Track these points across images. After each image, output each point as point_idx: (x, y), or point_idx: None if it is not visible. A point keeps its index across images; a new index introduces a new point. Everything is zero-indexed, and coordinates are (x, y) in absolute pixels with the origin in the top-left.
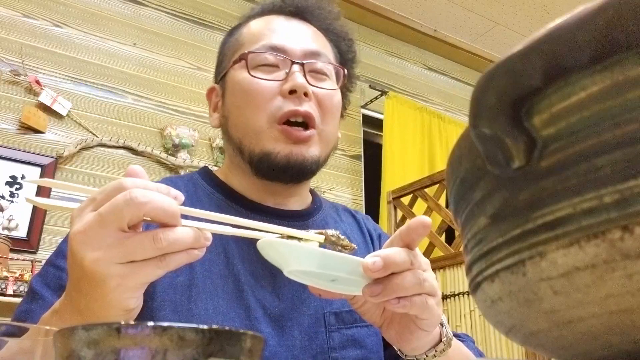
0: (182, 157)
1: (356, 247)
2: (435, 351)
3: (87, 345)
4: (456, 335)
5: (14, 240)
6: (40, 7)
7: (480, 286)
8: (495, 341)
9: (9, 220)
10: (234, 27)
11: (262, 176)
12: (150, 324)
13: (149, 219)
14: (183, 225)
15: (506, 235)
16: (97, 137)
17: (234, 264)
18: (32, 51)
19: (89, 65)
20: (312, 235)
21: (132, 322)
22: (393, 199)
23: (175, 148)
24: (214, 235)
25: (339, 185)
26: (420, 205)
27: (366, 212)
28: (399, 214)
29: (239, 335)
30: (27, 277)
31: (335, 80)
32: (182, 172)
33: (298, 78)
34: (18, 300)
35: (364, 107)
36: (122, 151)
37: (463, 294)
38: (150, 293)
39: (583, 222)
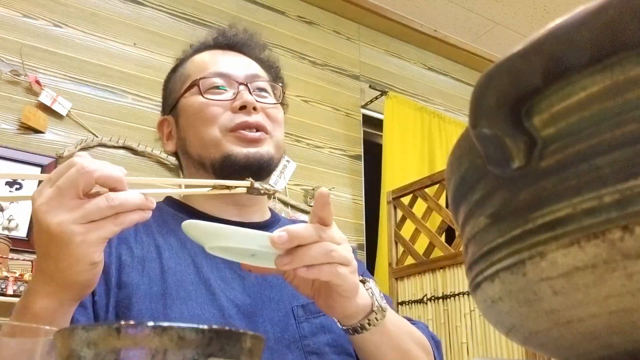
0: None
1: (279, 190)
2: (368, 319)
3: (87, 345)
4: (409, 319)
5: (14, 240)
6: (40, 7)
7: (480, 286)
8: (495, 341)
9: (9, 220)
10: (176, 66)
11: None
12: (150, 324)
13: (99, 186)
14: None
15: (506, 235)
16: (97, 137)
17: (203, 272)
18: (32, 51)
19: (89, 65)
20: (240, 183)
21: (132, 322)
22: (393, 199)
23: None
24: (183, 249)
25: (339, 185)
26: (420, 205)
27: (366, 212)
28: (399, 214)
29: (239, 335)
30: (27, 277)
31: (275, 98)
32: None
33: (246, 95)
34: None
35: (364, 107)
36: (122, 151)
37: (463, 294)
38: (127, 305)
39: (583, 222)
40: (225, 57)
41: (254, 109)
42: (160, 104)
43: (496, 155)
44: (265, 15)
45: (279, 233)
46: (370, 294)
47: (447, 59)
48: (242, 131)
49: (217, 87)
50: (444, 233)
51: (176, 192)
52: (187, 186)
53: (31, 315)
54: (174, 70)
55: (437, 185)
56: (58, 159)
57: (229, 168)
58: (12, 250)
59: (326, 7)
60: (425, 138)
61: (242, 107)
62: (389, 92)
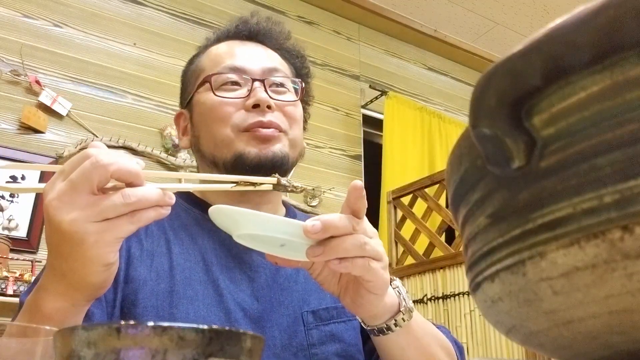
0: (182, 157)
1: (307, 188)
2: (395, 320)
3: (87, 345)
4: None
5: (14, 240)
6: (40, 7)
7: (480, 286)
8: (495, 341)
9: (9, 220)
10: (194, 56)
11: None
12: (151, 323)
13: (115, 180)
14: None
15: (506, 235)
16: (97, 137)
17: (212, 271)
18: (32, 51)
19: (89, 65)
20: (265, 179)
21: (132, 322)
22: (393, 199)
23: (175, 148)
24: (193, 245)
25: (339, 185)
26: (420, 205)
27: (366, 212)
28: (399, 214)
29: (239, 335)
30: (27, 277)
31: (294, 93)
32: (182, 172)
33: (260, 93)
34: (18, 300)
35: (364, 107)
36: (122, 151)
37: (463, 294)
38: (132, 300)
39: (583, 222)
40: (243, 49)
41: (269, 107)
42: (162, 103)
43: (496, 155)
44: (265, 15)
45: (312, 222)
46: (397, 293)
47: (447, 59)
48: (254, 129)
49: (231, 83)
50: (444, 233)
51: (197, 188)
52: (207, 182)
53: (42, 316)
54: (191, 61)
55: (437, 185)
56: (58, 159)
57: (240, 167)
58: (12, 250)
59: (326, 7)
60: (425, 138)
61: (256, 106)
62: (389, 92)
